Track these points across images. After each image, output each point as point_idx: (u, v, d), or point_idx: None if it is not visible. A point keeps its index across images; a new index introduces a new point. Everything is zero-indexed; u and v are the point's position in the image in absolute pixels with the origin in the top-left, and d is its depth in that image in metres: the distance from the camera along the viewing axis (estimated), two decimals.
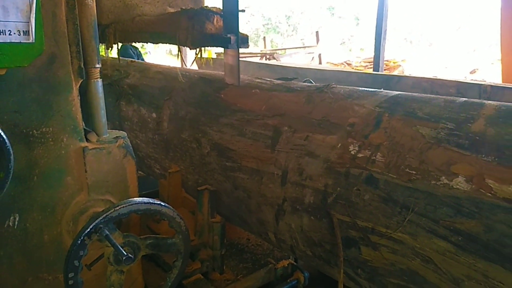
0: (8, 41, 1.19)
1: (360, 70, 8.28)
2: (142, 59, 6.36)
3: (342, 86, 1.90)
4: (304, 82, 2.17)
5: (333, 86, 1.89)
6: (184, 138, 2.27)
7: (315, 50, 11.50)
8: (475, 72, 10.74)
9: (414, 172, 1.32)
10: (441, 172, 1.26)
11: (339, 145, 1.56)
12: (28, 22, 1.20)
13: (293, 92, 1.96)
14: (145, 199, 1.49)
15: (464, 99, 1.51)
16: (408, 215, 1.30)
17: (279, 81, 2.19)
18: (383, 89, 1.82)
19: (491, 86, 3.81)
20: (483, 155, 1.22)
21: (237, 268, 2.16)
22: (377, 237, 1.38)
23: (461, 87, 3.90)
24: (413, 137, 1.39)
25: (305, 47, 12.54)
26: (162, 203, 1.52)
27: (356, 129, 1.56)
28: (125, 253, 1.40)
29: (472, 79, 5.26)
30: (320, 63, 10.82)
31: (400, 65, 9.75)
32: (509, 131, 1.24)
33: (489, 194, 1.15)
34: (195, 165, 2.21)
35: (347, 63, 10.28)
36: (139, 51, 6.30)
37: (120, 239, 1.45)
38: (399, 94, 1.67)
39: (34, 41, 1.23)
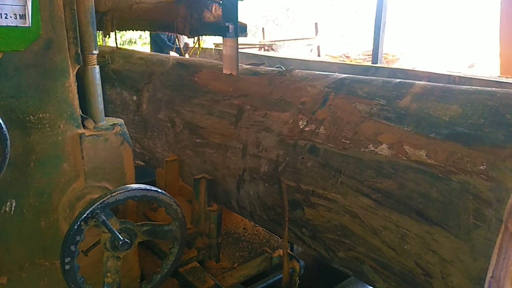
0: (4, 24, 1.18)
1: (359, 62, 8.26)
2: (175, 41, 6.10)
3: (300, 70, 2.04)
4: (276, 67, 2.24)
5: (292, 69, 2.03)
6: (160, 118, 2.41)
7: (314, 42, 11.44)
8: (473, 66, 10.70)
9: (348, 142, 1.50)
10: (369, 141, 1.44)
11: (291, 120, 1.73)
12: (25, 6, 1.19)
13: (258, 75, 2.11)
14: (142, 186, 1.49)
15: (399, 80, 1.65)
16: (340, 177, 1.48)
17: (247, 66, 2.30)
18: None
19: (460, 77, 4.05)
20: (404, 126, 1.39)
21: (233, 256, 2.18)
22: (316, 198, 1.55)
23: (432, 78, 4.10)
24: (351, 112, 1.57)
25: (303, 38, 12.47)
26: (159, 190, 1.52)
27: (306, 106, 1.73)
28: (122, 238, 1.40)
29: (449, 71, 5.36)
30: (318, 55, 10.77)
31: (398, 59, 9.68)
32: (428, 106, 1.40)
33: (404, 158, 1.33)
34: (169, 143, 2.35)
35: (346, 56, 10.21)
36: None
37: (116, 225, 1.45)
38: (346, 76, 1.81)
39: (30, 25, 1.22)
